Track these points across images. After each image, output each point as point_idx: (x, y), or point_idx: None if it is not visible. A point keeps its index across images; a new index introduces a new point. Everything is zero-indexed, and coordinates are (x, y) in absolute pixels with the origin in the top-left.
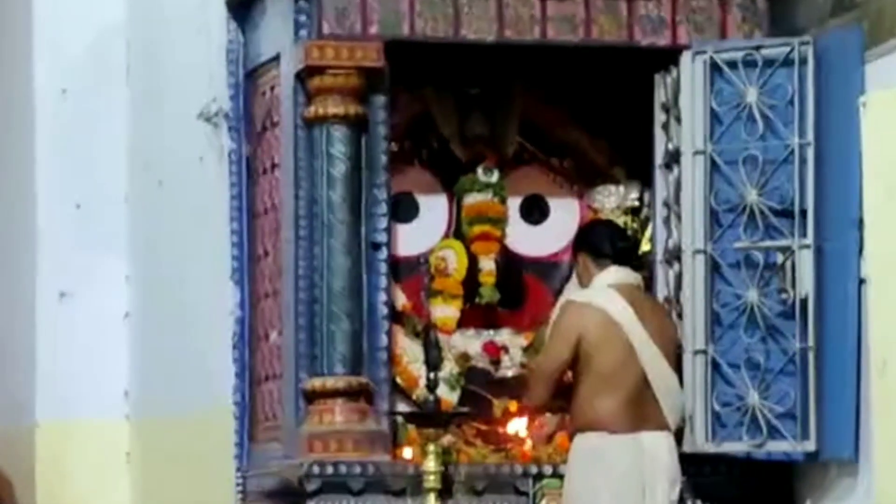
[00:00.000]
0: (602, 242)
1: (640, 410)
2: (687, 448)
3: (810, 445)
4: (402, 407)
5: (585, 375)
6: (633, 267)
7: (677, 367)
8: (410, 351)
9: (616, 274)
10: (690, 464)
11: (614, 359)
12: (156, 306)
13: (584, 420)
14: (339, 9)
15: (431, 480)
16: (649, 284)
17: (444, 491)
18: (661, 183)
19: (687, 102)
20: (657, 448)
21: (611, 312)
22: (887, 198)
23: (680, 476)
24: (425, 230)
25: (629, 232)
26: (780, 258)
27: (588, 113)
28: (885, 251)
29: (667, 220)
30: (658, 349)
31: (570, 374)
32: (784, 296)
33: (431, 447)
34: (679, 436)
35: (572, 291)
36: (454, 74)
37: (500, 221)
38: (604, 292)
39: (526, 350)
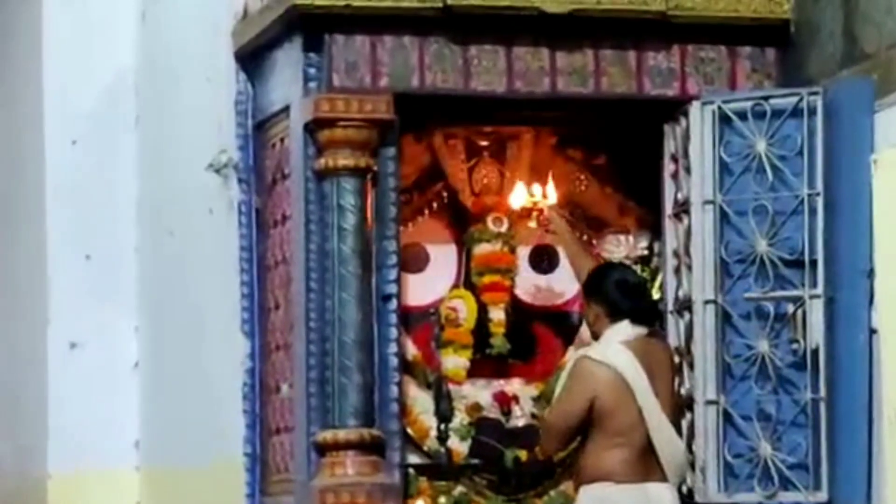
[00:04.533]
0: (619, 300)
1: (646, 463)
2: (699, 498)
3: (822, 496)
4: (413, 457)
5: (595, 432)
6: (649, 324)
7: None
8: (421, 401)
9: (630, 330)
10: None
11: (623, 421)
12: (166, 357)
13: (591, 472)
14: (348, 61)
15: None
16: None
17: None
18: (671, 233)
19: (696, 152)
20: (662, 498)
21: (625, 375)
22: None
23: None
24: (435, 280)
25: (644, 280)
26: (790, 308)
27: (598, 162)
28: None
29: (677, 270)
30: (664, 414)
31: None
32: (795, 346)
33: (443, 499)
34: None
35: (589, 347)
36: (464, 123)
37: (510, 271)
38: (619, 351)
39: (537, 400)
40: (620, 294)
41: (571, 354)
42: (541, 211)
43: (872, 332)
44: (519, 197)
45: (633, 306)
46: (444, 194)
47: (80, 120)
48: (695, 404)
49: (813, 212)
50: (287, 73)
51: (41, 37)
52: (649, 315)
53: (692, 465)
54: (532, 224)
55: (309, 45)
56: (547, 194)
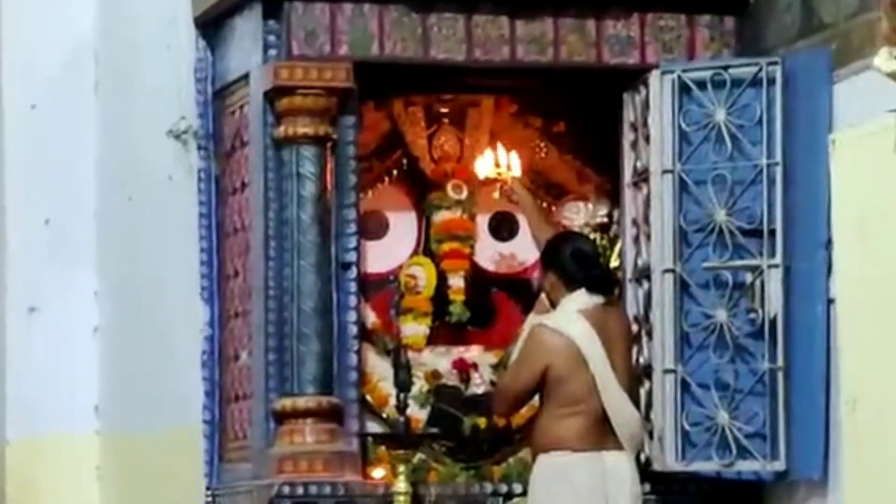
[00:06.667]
0: (574, 270)
1: (602, 432)
2: (657, 467)
3: (780, 465)
4: (373, 424)
5: (549, 400)
6: (606, 293)
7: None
8: (380, 369)
9: (586, 299)
10: (660, 483)
11: (578, 389)
12: (125, 321)
13: (548, 440)
14: (308, 29)
15: (402, 501)
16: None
17: None
18: (630, 201)
19: (655, 122)
20: (619, 466)
21: (580, 344)
22: (857, 233)
23: (641, 494)
24: (394, 247)
25: (600, 250)
26: (749, 278)
27: (558, 130)
28: (854, 285)
29: (636, 239)
30: (618, 383)
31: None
32: (753, 315)
33: (402, 468)
34: (637, 459)
35: (545, 315)
36: (424, 91)
37: (470, 238)
38: (574, 319)
39: (496, 367)
40: (575, 263)
41: (528, 321)
42: (504, 181)
43: (830, 301)
44: (484, 168)
45: (588, 275)
46: (404, 161)
47: (39, 84)
48: (653, 373)
49: (771, 181)
50: (246, 40)
51: None
52: (605, 284)
53: (650, 434)
54: (496, 195)
55: (268, 13)
56: (511, 166)
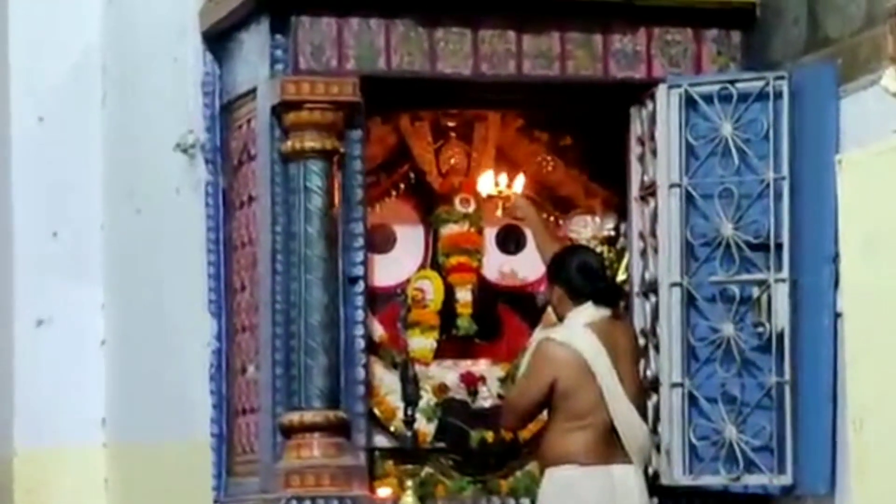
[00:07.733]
0: (581, 283)
1: (610, 446)
2: (664, 481)
3: (787, 479)
4: (380, 438)
5: (557, 414)
6: (612, 305)
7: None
8: (388, 382)
9: (593, 312)
10: (667, 497)
11: (585, 403)
12: (132, 334)
13: (556, 453)
14: (314, 44)
15: None
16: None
17: None
18: (637, 215)
19: (662, 136)
20: (627, 480)
21: (587, 358)
22: (864, 247)
23: None
24: (402, 261)
25: (606, 263)
26: (755, 292)
27: (564, 144)
28: (861, 299)
29: (643, 253)
30: (625, 395)
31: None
32: (760, 329)
33: (409, 482)
34: (645, 472)
35: (551, 329)
36: (430, 105)
37: (477, 252)
38: (582, 333)
39: (503, 381)
40: (582, 277)
41: (535, 335)
42: (507, 198)
43: (837, 315)
44: (486, 186)
45: (595, 288)
46: (411, 175)
47: (46, 97)
48: (660, 387)
49: (778, 196)
50: (254, 54)
51: (7, 12)
52: (612, 297)
53: (657, 448)
54: (499, 213)
55: (276, 27)
56: (513, 183)
